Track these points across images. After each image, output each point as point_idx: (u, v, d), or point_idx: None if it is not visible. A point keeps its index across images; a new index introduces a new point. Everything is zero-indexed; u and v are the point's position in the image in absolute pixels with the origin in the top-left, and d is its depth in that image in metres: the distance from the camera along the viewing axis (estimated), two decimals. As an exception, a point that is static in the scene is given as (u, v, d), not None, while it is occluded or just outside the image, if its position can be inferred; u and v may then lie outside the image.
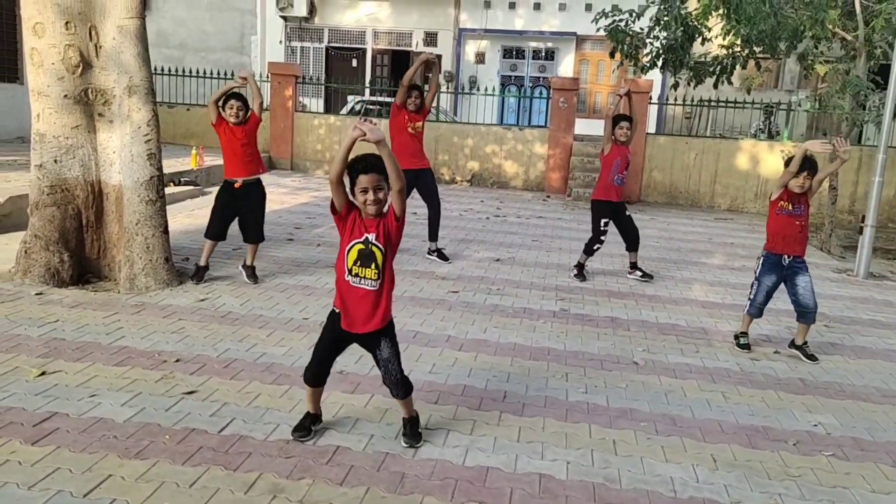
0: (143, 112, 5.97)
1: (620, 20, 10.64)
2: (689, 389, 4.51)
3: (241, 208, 6.24)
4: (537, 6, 19.29)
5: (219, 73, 14.95)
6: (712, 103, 13.46)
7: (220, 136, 6.11)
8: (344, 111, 15.52)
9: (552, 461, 3.46)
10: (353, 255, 3.29)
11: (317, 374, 3.51)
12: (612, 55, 11.10)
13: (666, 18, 10.38)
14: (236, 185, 6.17)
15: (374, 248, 3.26)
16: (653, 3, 10.41)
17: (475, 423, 3.80)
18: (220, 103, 6.06)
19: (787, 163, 5.14)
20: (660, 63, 10.93)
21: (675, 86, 11.79)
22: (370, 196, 3.19)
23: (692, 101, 13.63)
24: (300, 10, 20.14)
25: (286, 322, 5.29)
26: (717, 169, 13.04)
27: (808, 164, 4.99)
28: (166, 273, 6.03)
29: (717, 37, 11.18)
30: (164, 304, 5.53)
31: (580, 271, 7.18)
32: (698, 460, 3.58)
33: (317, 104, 19.39)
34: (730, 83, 12.28)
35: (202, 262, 6.20)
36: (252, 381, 4.17)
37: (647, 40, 10.83)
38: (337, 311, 3.41)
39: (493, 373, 4.53)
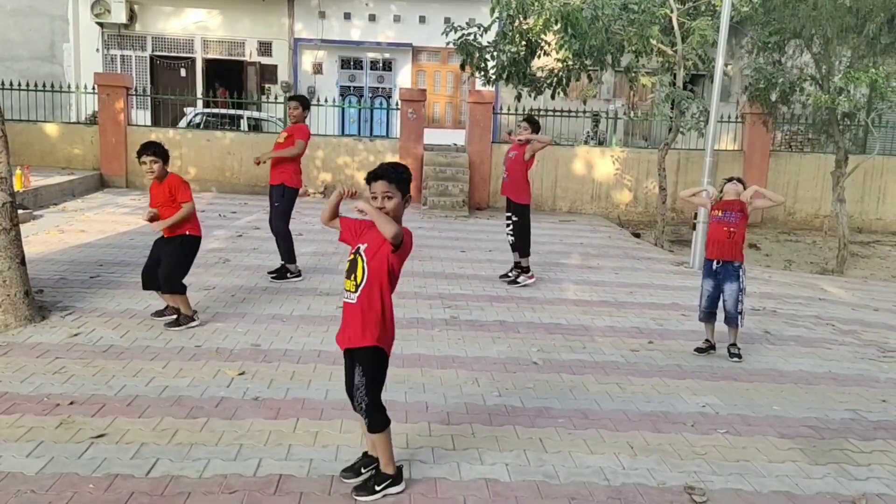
0: (-10, 132, 5.44)
1: (469, 34, 11.05)
2: (588, 384, 4.83)
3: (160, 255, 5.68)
4: (373, 17, 19.45)
5: (27, 85, 13.75)
6: (547, 113, 14.31)
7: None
8: (182, 124, 14.78)
9: (492, 465, 3.61)
10: (347, 265, 3.29)
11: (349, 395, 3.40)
12: (462, 67, 11.49)
13: (510, 33, 10.92)
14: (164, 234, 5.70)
15: (359, 258, 3.21)
16: (498, 18, 10.91)
17: (408, 436, 3.85)
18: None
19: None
20: (505, 75, 11.47)
21: (519, 97, 12.41)
22: (377, 203, 3.14)
23: (529, 110, 14.42)
24: (118, 16, 18.88)
25: (178, 352, 5.03)
26: (557, 174, 13.86)
27: (731, 181, 5.57)
28: (27, 308, 5.52)
29: (553, 50, 11.93)
30: (33, 342, 5.06)
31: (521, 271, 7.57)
32: (618, 449, 3.87)
33: (144, 116, 18.28)
34: (565, 94, 13.12)
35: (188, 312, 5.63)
36: (164, 418, 3.94)
37: (494, 53, 11.32)
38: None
39: (409, 385, 4.60)
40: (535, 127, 7.45)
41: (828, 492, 3.53)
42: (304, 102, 7.39)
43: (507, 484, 3.43)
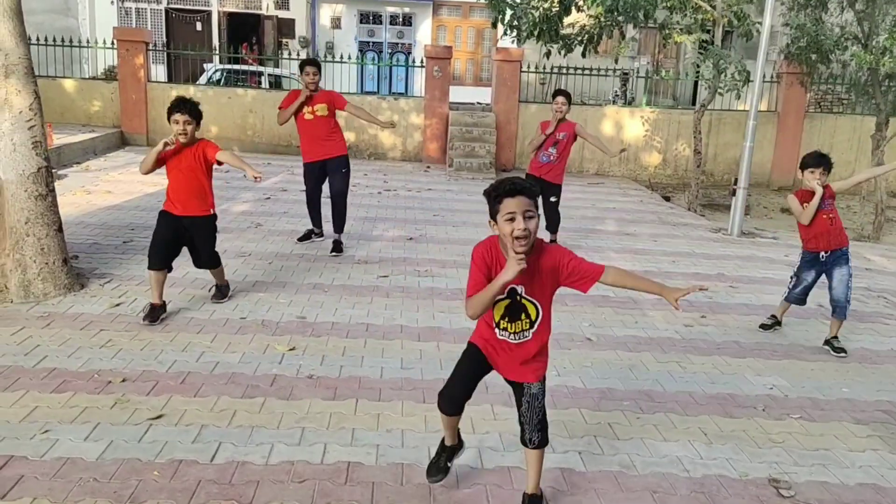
0: (24, 95, 5.24)
1: (502, -10, 10.68)
2: (647, 362, 4.68)
3: (185, 238, 5.12)
4: (393, -31, 18.95)
5: (45, 40, 13.45)
6: (576, 71, 13.91)
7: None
8: (202, 80, 14.50)
9: (564, 453, 3.47)
10: (500, 311, 2.76)
11: (455, 403, 2.95)
12: (493, 25, 11.14)
13: (545, -11, 10.54)
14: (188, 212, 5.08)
15: (525, 303, 2.73)
16: (531, -27, 10.53)
17: (472, 420, 3.70)
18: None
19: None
20: (536, 33, 11.10)
21: (548, 54, 12.03)
22: (518, 225, 2.55)
23: (552, 68, 14.05)
24: (133, -33, 18.50)
25: (224, 324, 4.90)
26: (584, 135, 13.51)
27: (818, 162, 4.94)
28: (66, 276, 5.39)
29: (585, 6, 11.52)
30: (74, 312, 4.94)
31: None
32: (690, 435, 3.73)
33: (163, 72, 17.98)
34: (596, 52, 12.72)
35: (155, 300, 4.93)
36: (221, 397, 3.82)
37: (528, 10, 10.95)
38: (473, 343, 2.96)
39: (464, 363, 4.45)
40: (570, 100, 7.15)
41: (916, 484, 3.39)
42: (321, 66, 7.03)
43: (583, 474, 3.30)
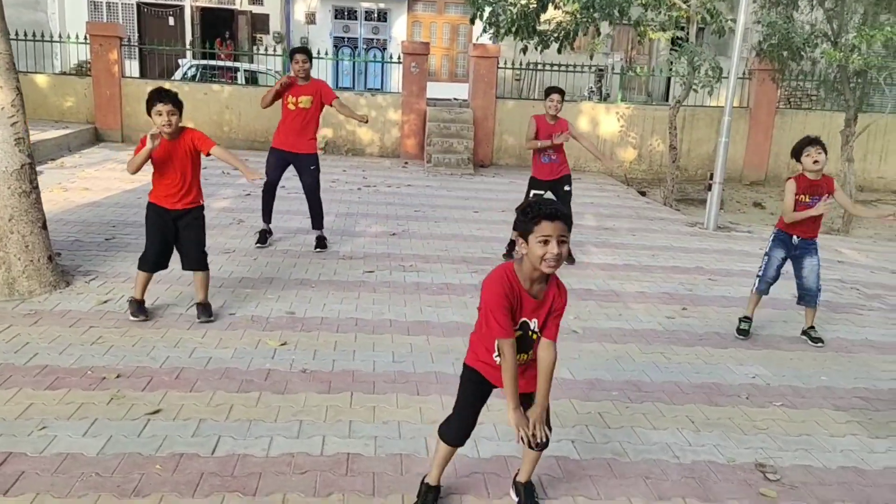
0: (6, 91, 5.20)
1: (480, -13, 10.75)
2: (633, 353, 4.79)
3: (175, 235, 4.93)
4: (368, -35, 18.92)
5: (17, 35, 13.20)
6: (552, 67, 14.04)
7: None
8: (177, 76, 14.35)
9: (558, 442, 3.55)
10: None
11: (466, 435, 2.93)
12: (472, 21, 11.20)
13: (523, -15, 10.63)
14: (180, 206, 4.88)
15: (533, 336, 2.73)
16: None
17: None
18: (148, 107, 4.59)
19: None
20: (514, 29, 11.19)
21: (525, 50, 12.13)
22: (552, 249, 2.50)
23: (528, 65, 14.15)
24: (104, -39, 18.24)
25: (214, 320, 4.91)
26: (561, 131, 13.64)
27: (811, 140, 4.97)
28: (51, 274, 5.36)
29: (561, 3, 11.63)
30: (62, 309, 4.92)
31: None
32: (679, 423, 3.84)
33: (135, 68, 17.77)
34: (571, 48, 12.85)
35: (137, 296, 4.91)
36: (216, 392, 3.85)
37: (506, 6, 11.03)
38: (472, 367, 2.89)
39: (455, 355, 4.51)
40: (564, 97, 7.12)
41: (894, 467, 3.53)
42: (311, 54, 6.93)
43: (578, 462, 3.39)
